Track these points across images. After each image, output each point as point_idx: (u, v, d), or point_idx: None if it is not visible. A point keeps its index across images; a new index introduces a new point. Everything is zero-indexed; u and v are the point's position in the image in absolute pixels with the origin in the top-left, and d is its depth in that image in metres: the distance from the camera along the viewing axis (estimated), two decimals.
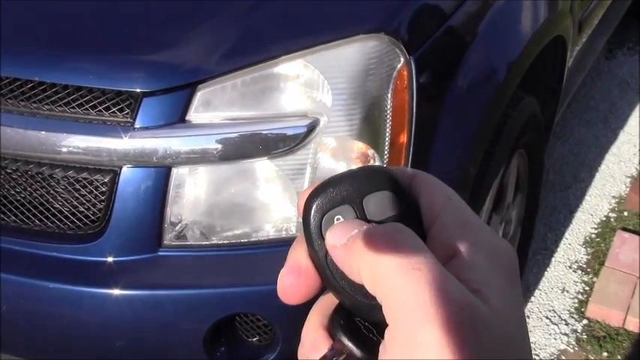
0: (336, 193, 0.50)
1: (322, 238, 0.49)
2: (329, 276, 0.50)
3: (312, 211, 0.50)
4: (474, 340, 0.43)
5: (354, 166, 1.58)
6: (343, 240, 0.48)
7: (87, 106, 1.53)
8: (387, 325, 0.45)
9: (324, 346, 0.51)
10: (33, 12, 1.62)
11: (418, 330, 0.43)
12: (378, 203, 0.49)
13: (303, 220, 0.50)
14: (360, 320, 0.50)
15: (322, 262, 0.50)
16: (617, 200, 3.20)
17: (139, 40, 1.57)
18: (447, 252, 0.48)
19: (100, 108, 1.53)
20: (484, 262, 0.47)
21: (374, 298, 0.46)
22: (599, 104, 3.84)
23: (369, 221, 0.49)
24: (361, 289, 0.48)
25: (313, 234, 0.50)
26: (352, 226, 0.48)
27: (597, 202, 3.18)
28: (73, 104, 1.53)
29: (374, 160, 1.59)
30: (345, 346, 0.50)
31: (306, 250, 0.51)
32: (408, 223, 0.48)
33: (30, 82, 1.54)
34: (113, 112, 1.52)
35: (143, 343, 1.58)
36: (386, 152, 1.60)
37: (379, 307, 0.46)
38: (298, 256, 0.52)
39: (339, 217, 0.49)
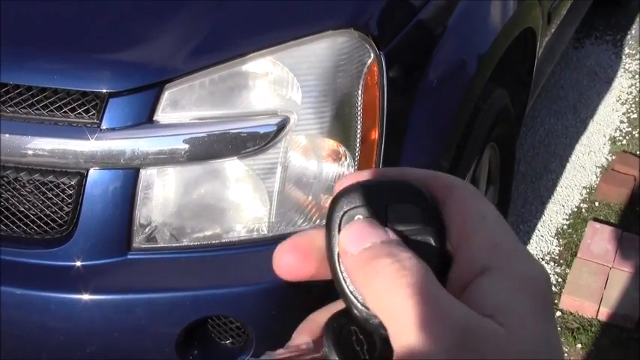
0: (363, 194, 0.49)
1: (340, 231, 0.49)
2: (337, 272, 0.49)
3: (337, 206, 0.50)
4: None
5: (325, 164, 1.56)
6: (355, 249, 0.47)
7: (52, 108, 1.50)
8: (381, 342, 0.46)
9: (307, 338, 0.51)
10: None
11: (423, 352, 0.42)
12: (402, 215, 0.49)
13: (327, 212, 0.50)
14: (357, 331, 0.49)
15: (335, 259, 0.49)
16: (587, 191, 3.21)
17: (104, 39, 1.54)
18: (470, 275, 0.46)
19: (66, 109, 1.49)
20: (507, 288, 0.45)
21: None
22: (568, 94, 3.85)
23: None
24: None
25: (333, 226, 0.49)
26: (368, 233, 0.47)
27: (568, 192, 3.19)
28: (38, 106, 1.50)
29: (345, 158, 1.57)
30: (324, 347, 0.49)
31: (324, 242, 0.50)
32: (427, 241, 0.48)
33: None
34: (79, 113, 1.49)
35: (114, 348, 1.55)
36: (357, 149, 1.58)
37: (377, 321, 0.46)
38: (307, 238, 0.51)
39: (360, 217, 0.49)
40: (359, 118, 1.57)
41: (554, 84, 3.88)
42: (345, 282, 0.49)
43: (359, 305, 0.48)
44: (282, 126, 1.51)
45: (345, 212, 0.49)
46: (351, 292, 0.48)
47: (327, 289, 1.55)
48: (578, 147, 3.48)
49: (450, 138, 1.81)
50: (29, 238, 1.56)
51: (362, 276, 0.46)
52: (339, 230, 0.49)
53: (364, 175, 0.51)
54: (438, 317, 0.43)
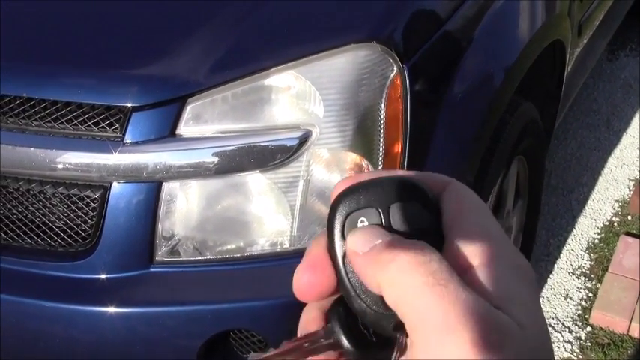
0: (364, 196, 0.49)
1: (343, 238, 0.49)
2: (344, 277, 0.49)
3: (338, 209, 0.50)
4: (501, 354, 0.43)
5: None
6: (365, 248, 0.47)
7: (76, 122, 1.51)
8: (389, 334, 0.47)
9: (315, 326, 0.51)
10: (19, 26, 1.60)
11: (445, 347, 0.43)
12: (405, 214, 0.49)
13: (328, 215, 0.50)
14: None
15: (340, 262, 0.49)
16: (620, 204, 3.16)
17: (127, 54, 1.55)
18: (465, 260, 0.47)
19: (90, 123, 1.51)
20: (507, 275, 0.47)
21: (388, 309, 0.46)
22: (602, 107, 3.81)
23: (392, 231, 0.49)
24: (376, 298, 0.48)
25: (335, 232, 0.50)
26: (376, 235, 0.48)
27: (600, 206, 3.15)
28: (62, 120, 1.51)
29: (367, 171, 1.57)
30: (334, 333, 0.49)
31: (326, 246, 0.50)
32: (433, 237, 0.48)
33: (18, 98, 1.52)
34: (102, 127, 1.50)
35: None
36: (380, 163, 1.58)
37: (389, 318, 0.46)
38: (317, 252, 0.51)
39: (364, 219, 0.49)
40: (382, 131, 1.57)
41: (586, 96, 3.84)
42: (350, 281, 0.49)
43: (365, 302, 0.48)
44: (304, 140, 1.50)
45: (348, 215, 0.49)
46: (356, 291, 0.48)
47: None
48: (610, 160, 3.43)
49: (475, 152, 1.79)
50: (54, 250, 1.58)
51: (376, 268, 0.46)
52: (343, 232, 0.49)
53: (361, 177, 0.51)
54: (461, 310, 0.43)
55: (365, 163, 1.56)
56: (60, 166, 1.52)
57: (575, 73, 2.78)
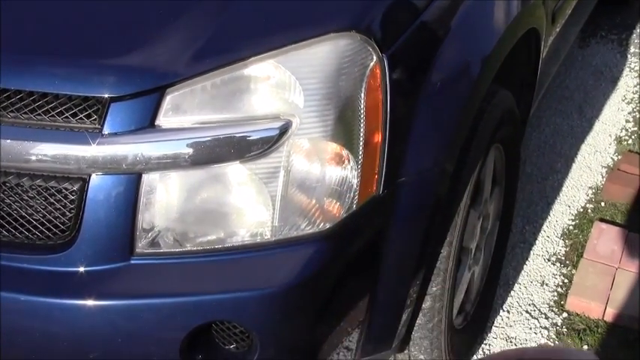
0: None
1: None
2: None
3: None
4: None
5: (328, 168, 1.55)
6: None
7: (53, 113, 1.49)
8: None
9: None
10: None
11: None
12: None
13: None
14: None
15: None
16: (593, 191, 3.19)
17: (105, 43, 1.53)
18: None
19: (67, 114, 1.49)
20: None
21: None
22: (574, 94, 3.83)
23: None
24: None
25: None
26: None
27: (574, 193, 3.18)
28: (39, 111, 1.49)
29: (348, 161, 1.56)
30: None
31: None
32: None
33: None
34: (80, 118, 1.49)
35: (118, 354, 1.54)
36: (360, 153, 1.57)
37: None
38: None
39: None
40: (362, 121, 1.57)
41: (559, 84, 3.86)
42: None
43: None
44: (284, 130, 1.50)
45: None
46: None
47: (329, 296, 1.54)
48: (584, 147, 3.46)
49: (454, 140, 1.79)
50: (32, 243, 1.56)
51: None
52: None
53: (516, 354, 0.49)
54: None
55: (345, 152, 1.56)
56: (37, 158, 1.49)
57: (549, 61, 2.79)
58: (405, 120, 1.67)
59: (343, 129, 1.55)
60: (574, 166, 3.34)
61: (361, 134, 1.57)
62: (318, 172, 1.55)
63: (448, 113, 1.78)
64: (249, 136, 1.49)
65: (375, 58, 1.57)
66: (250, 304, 1.53)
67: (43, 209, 1.54)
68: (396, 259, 1.74)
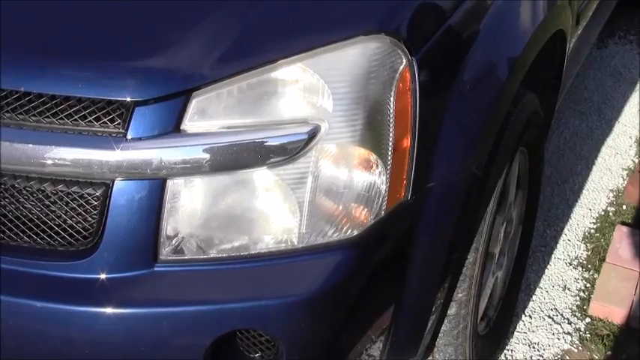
0: None
1: None
2: None
3: None
4: None
5: (356, 173, 1.52)
6: None
7: (76, 117, 1.46)
8: None
9: None
10: (16, 18, 1.54)
11: None
12: None
13: None
14: None
15: None
16: (614, 194, 3.15)
17: (129, 46, 1.50)
18: None
19: (90, 118, 1.46)
20: None
21: None
22: (593, 95, 3.79)
23: None
24: None
25: None
26: None
27: (595, 196, 3.14)
28: (62, 115, 1.46)
29: (376, 167, 1.53)
30: None
31: None
32: None
33: (15, 92, 1.47)
34: (104, 122, 1.45)
35: None
36: (389, 158, 1.54)
37: None
38: None
39: None
40: (391, 125, 1.53)
41: (578, 85, 3.82)
42: None
43: None
44: (312, 135, 1.46)
45: None
46: None
47: (355, 303, 1.51)
48: (604, 149, 3.42)
49: (482, 144, 1.76)
50: (53, 250, 1.53)
51: None
52: None
53: None
54: None
55: (374, 157, 1.53)
56: (59, 163, 1.46)
57: (571, 62, 2.75)
58: (433, 124, 1.63)
59: (372, 134, 1.51)
60: (594, 168, 3.29)
61: (390, 139, 1.54)
62: (346, 178, 1.52)
63: (476, 117, 1.74)
64: (276, 142, 1.46)
65: (404, 61, 1.53)
66: (276, 312, 1.50)
67: (65, 215, 1.51)
68: (422, 266, 1.70)
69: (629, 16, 4.41)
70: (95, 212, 1.49)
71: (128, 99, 1.44)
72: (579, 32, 2.77)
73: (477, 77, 1.75)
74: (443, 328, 1.92)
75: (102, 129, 1.46)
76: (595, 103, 3.72)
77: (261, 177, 1.49)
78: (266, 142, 1.46)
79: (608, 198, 3.12)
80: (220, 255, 1.51)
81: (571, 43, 2.54)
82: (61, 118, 1.46)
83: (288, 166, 1.48)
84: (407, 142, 1.57)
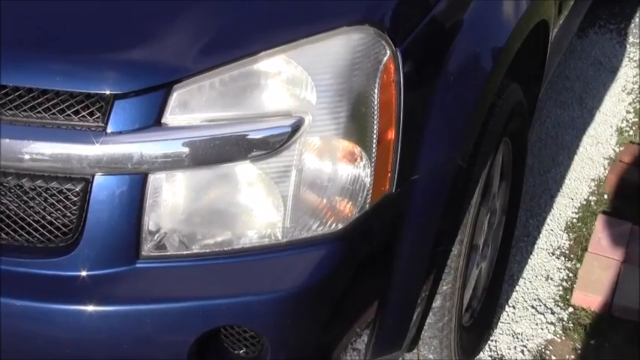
0: None
1: None
2: None
3: None
4: None
5: (340, 166, 1.49)
6: None
7: (54, 111, 1.43)
8: None
9: None
10: None
11: None
12: None
13: None
14: None
15: None
16: (596, 183, 3.15)
17: (109, 38, 1.46)
18: None
19: (69, 112, 1.42)
20: None
21: None
22: (574, 85, 3.79)
23: None
24: None
25: None
26: None
27: (577, 185, 3.14)
28: (40, 109, 1.43)
29: (361, 159, 1.51)
30: None
31: None
32: None
33: None
34: (83, 116, 1.42)
35: None
36: (374, 150, 1.52)
37: None
38: None
39: None
40: (375, 117, 1.51)
41: (559, 74, 3.82)
42: None
43: None
44: (296, 127, 1.44)
45: None
46: None
47: (341, 297, 1.49)
48: (585, 138, 3.42)
49: (467, 136, 1.74)
50: (32, 247, 1.50)
51: None
52: None
53: None
54: None
55: (358, 150, 1.50)
56: (37, 158, 1.43)
57: (553, 52, 2.74)
58: (417, 116, 1.62)
59: (356, 126, 1.49)
60: (576, 157, 3.29)
61: (374, 131, 1.51)
62: (331, 171, 1.50)
63: (461, 108, 1.73)
64: (259, 135, 1.43)
65: (388, 52, 1.51)
66: (261, 308, 1.48)
67: (44, 211, 1.48)
68: (407, 259, 1.68)
69: (609, 5, 4.42)
70: (75, 208, 1.46)
71: (107, 92, 1.41)
72: (561, 22, 2.75)
73: (461, 68, 1.73)
74: (428, 320, 1.91)
75: (81, 123, 1.42)
76: (576, 93, 3.72)
77: (245, 171, 1.47)
78: (249, 135, 1.44)
79: (590, 187, 3.13)
80: (203, 250, 1.49)
81: (554, 32, 2.52)
82: (39, 112, 1.43)
83: (272, 159, 1.45)
84: (391, 135, 1.55)
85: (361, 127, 1.50)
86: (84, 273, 1.46)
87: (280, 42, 1.44)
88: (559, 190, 3.10)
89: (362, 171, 1.51)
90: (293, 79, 1.45)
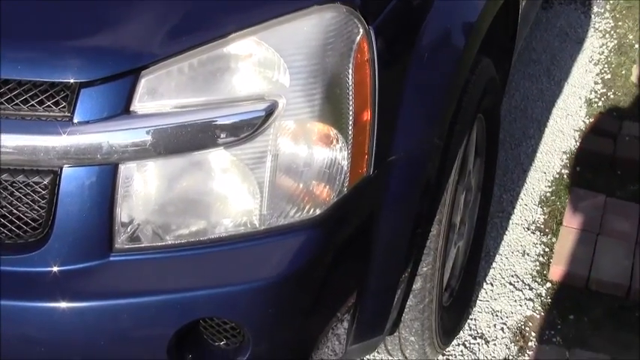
0: None
1: None
2: None
3: None
4: None
5: (316, 150, 1.46)
6: None
7: (17, 101, 1.37)
8: None
9: None
10: None
11: None
12: None
13: None
14: None
15: None
16: (568, 156, 3.14)
17: (72, 24, 1.40)
18: None
19: (33, 102, 1.37)
20: None
21: None
22: (541, 56, 3.77)
23: None
24: None
25: None
26: None
27: (549, 158, 3.12)
28: (2, 99, 1.37)
29: (337, 142, 1.47)
30: None
31: None
32: None
33: None
34: (48, 106, 1.37)
35: (101, 357, 1.45)
36: (350, 132, 1.48)
37: None
38: None
39: None
40: (350, 98, 1.47)
41: (525, 47, 3.80)
42: None
43: None
44: (270, 111, 1.40)
45: None
46: None
47: (322, 284, 1.44)
48: (555, 111, 3.41)
49: (443, 114, 1.71)
50: (0, 243, 1.44)
51: None
52: None
53: None
54: None
55: (334, 132, 1.47)
56: (2, 151, 1.38)
57: (522, 24, 2.71)
58: (393, 95, 1.58)
59: (331, 108, 1.45)
60: (547, 130, 3.28)
61: (350, 113, 1.48)
62: (307, 155, 1.46)
63: (436, 86, 1.69)
64: (232, 120, 1.39)
65: (361, 30, 1.47)
66: (240, 298, 1.44)
67: (11, 205, 1.43)
68: (386, 241, 1.65)
69: None
70: (44, 202, 1.41)
71: (72, 80, 1.35)
72: None
73: (434, 44, 1.70)
74: (409, 303, 1.88)
75: (46, 113, 1.37)
76: (544, 65, 3.71)
77: (218, 158, 1.42)
78: (221, 121, 1.39)
79: (562, 160, 3.12)
80: (179, 241, 1.45)
81: (523, 3, 2.50)
82: (1, 103, 1.37)
83: (246, 145, 1.41)
84: (367, 115, 1.52)
85: (336, 109, 1.46)
86: (56, 268, 1.41)
87: (250, 23, 1.40)
88: (531, 164, 3.09)
89: (339, 154, 1.48)
90: (265, 62, 1.41)
